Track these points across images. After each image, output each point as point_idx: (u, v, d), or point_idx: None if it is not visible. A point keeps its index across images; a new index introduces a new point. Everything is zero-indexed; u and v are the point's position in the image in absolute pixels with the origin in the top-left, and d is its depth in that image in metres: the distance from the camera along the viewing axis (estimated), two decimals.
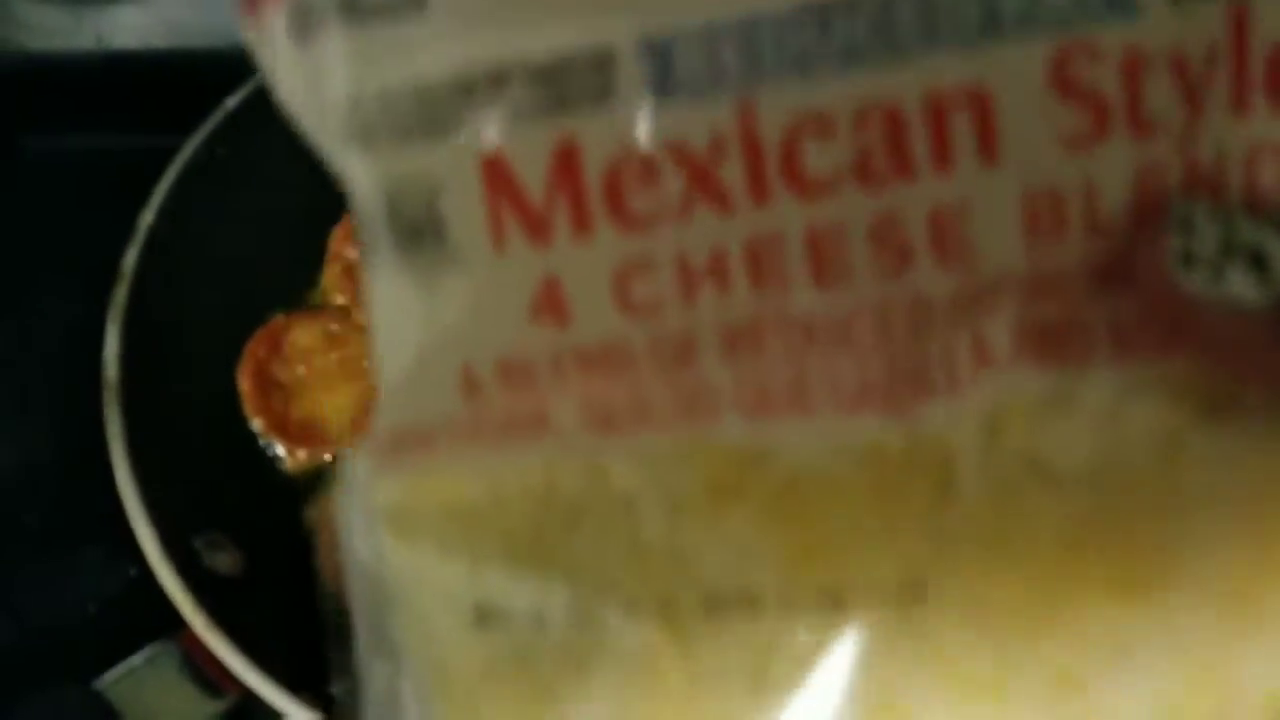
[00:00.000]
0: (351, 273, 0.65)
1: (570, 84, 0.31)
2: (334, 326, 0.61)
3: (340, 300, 0.65)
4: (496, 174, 0.31)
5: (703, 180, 0.30)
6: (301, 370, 0.62)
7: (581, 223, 0.31)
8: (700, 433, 0.33)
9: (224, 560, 0.55)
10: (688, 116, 0.30)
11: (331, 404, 0.61)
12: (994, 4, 0.30)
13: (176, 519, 0.53)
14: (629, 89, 0.30)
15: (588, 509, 0.33)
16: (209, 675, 0.53)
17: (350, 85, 0.32)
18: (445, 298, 0.32)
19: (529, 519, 0.33)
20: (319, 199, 0.69)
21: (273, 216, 0.64)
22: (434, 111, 0.31)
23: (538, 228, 0.31)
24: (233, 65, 0.64)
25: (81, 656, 0.54)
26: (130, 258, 0.57)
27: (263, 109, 0.68)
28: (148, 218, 0.58)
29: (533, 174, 0.31)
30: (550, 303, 0.31)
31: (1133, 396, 0.31)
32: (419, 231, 0.32)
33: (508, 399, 0.32)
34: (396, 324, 0.33)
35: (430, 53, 0.31)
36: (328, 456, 0.60)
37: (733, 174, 0.30)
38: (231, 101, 0.62)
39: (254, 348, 0.61)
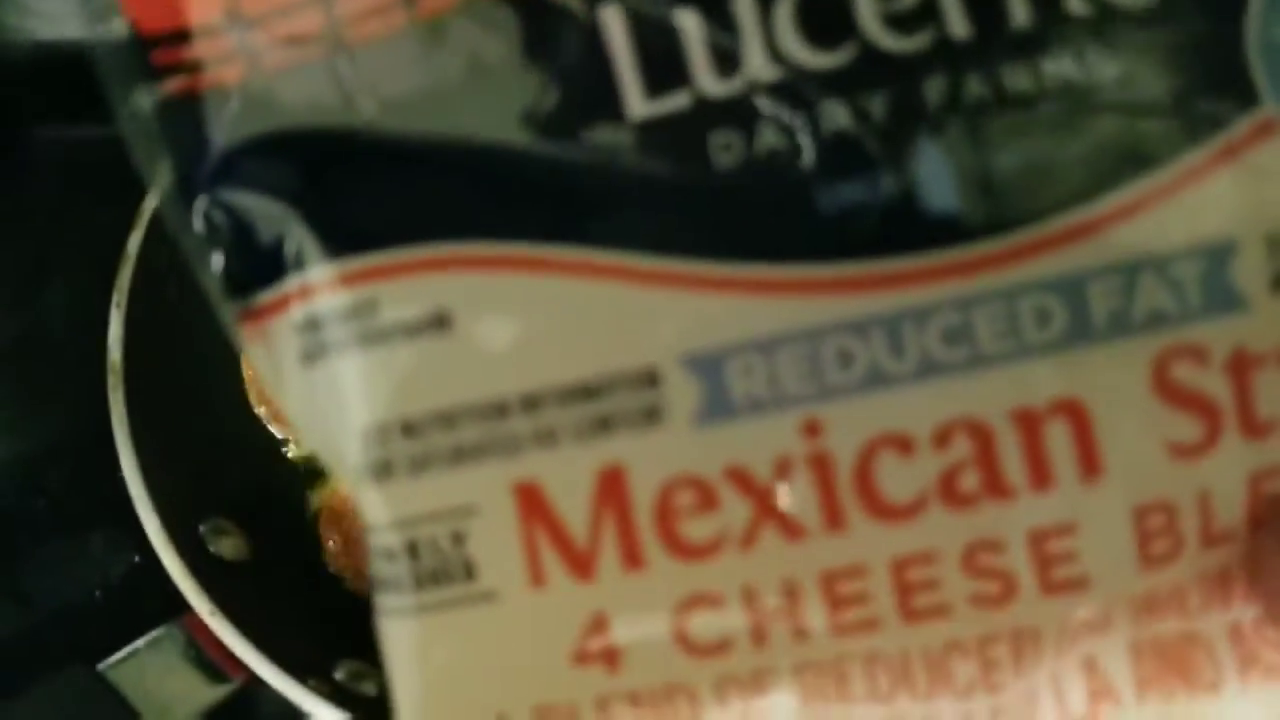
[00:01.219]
0: None
1: (613, 405, 0.28)
2: None
3: None
4: (533, 504, 0.28)
5: (767, 506, 0.28)
6: None
7: (631, 555, 0.28)
8: None
9: (229, 546, 0.55)
10: (746, 437, 0.28)
11: None
12: (1083, 307, 0.27)
13: (181, 505, 0.54)
14: (678, 409, 0.28)
15: None
16: (213, 660, 0.54)
17: (367, 413, 0.29)
18: (475, 641, 0.29)
19: None
20: None
21: None
22: (461, 439, 0.28)
23: (581, 561, 0.28)
24: None
25: (87, 641, 0.54)
26: (134, 241, 0.57)
27: None
28: (152, 202, 0.58)
29: (574, 502, 0.28)
30: (598, 644, 0.29)
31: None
32: (444, 573, 0.29)
33: None
34: (415, 670, 0.30)
35: (456, 375, 0.28)
36: None
37: (802, 499, 0.28)
38: None
39: None
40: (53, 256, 0.64)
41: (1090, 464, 0.27)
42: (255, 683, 0.51)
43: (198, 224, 0.31)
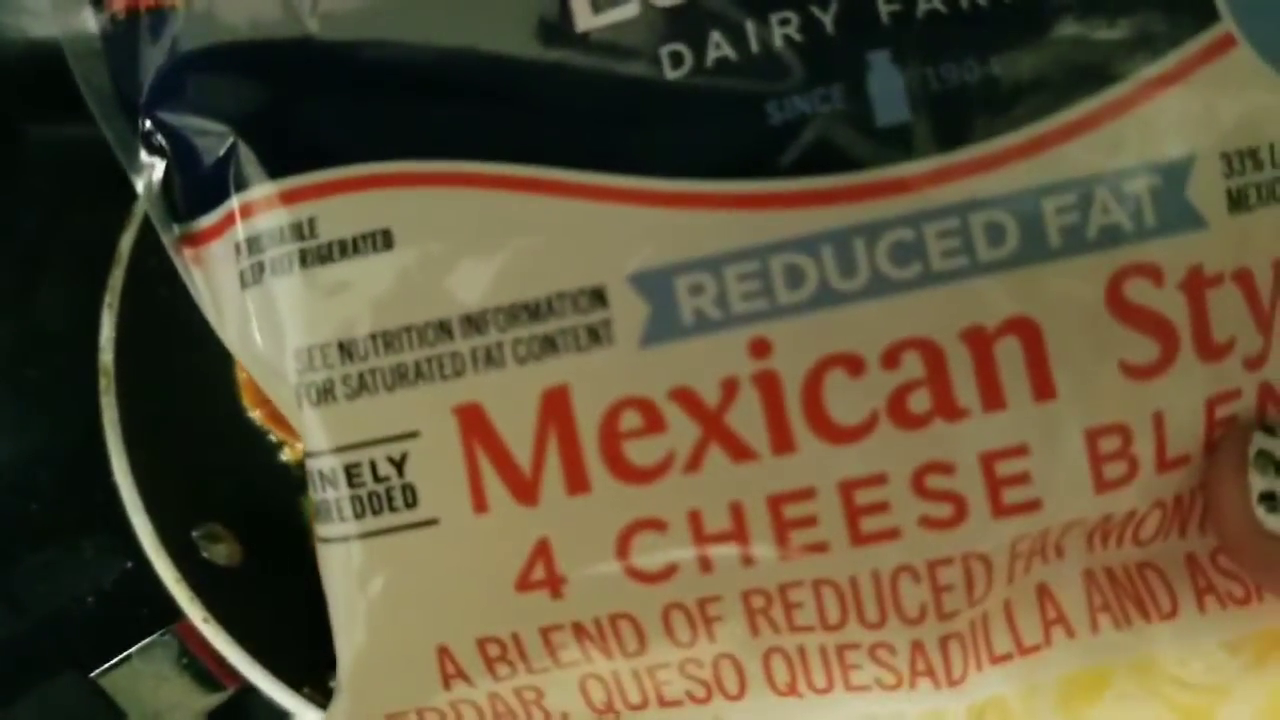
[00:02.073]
0: None
1: (558, 324, 0.27)
2: None
3: None
4: (475, 427, 0.28)
5: (714, 428, 0.27)
6: None
7: (576, 478, 0.27)
8: (722, 713, 0.30)
9: (222, 552, 0.55)
10: (693, 357, 0.27)
11: None
12: (1037, 224, 0.26)
13: (174, 510, 0.53)
14: (624, 328, 0.27)
15: None
16: (207, 668, 0.53)
17: (305, 334, 0.29)
18: (416, 570, 0.29)
19: None
20: None
21: None
22: (401, 360, 0.28)
23: (525, 486, 0.28)
24: None
25: (79, 648, 0.54)
26: (126, 242, 0.57)
27: None
28: (144, 202, 0.58)
29: (518, 425, 0.28)
30: (542, 571, 0.28)
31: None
32: (383, 497, 0.28)
33: (493, 683, 0.29)
34: (354, 600, 0.29)
35: (397, 295, 0.28)
36: None
37: (749, 420, 0.27)
38: None
39: None
40: (46, 258, 0.65)
41: (1042, 384, 0.27)
42: (249, 690, 0.51)
43: (140, 148, 0.31)
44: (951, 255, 0.26)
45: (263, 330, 0.30)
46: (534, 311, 0.27)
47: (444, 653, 0.29)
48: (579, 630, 0.28)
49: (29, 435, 0.64)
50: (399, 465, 0.28)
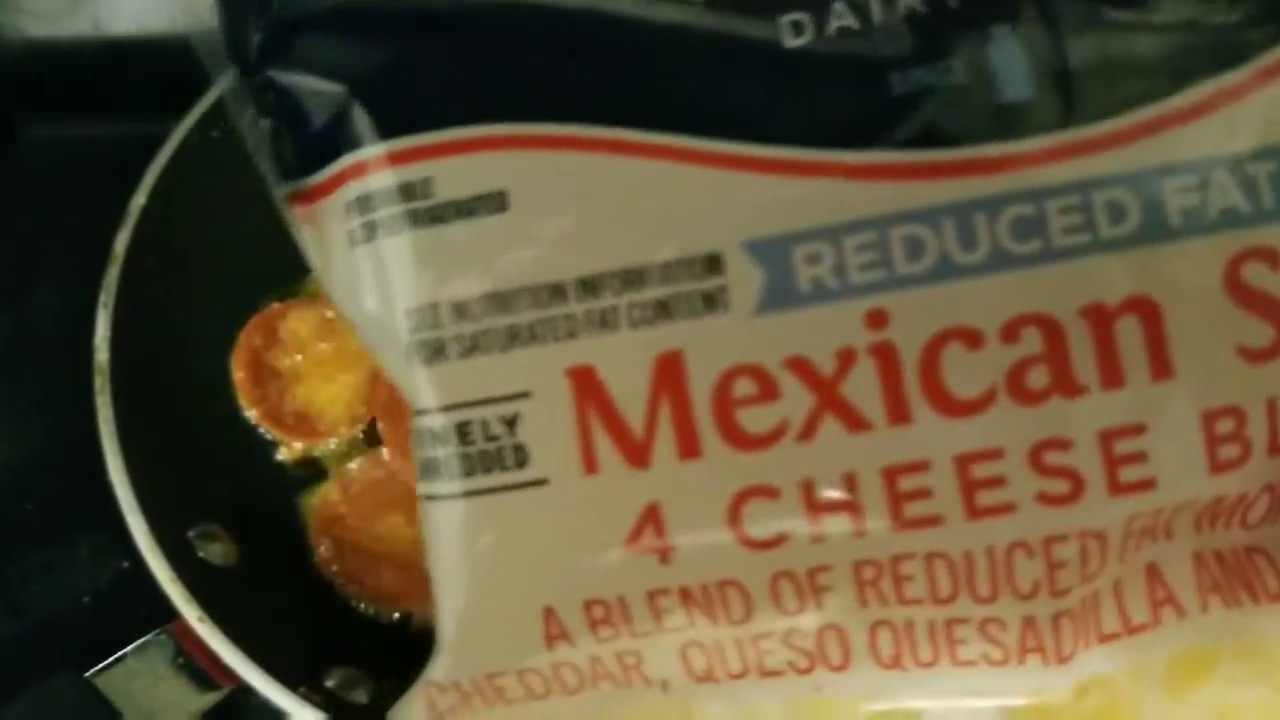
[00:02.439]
0: None
1: (674, 290, 0.27)
2: (331, 314, 0.60)
3: None
4: (588, 389, 0.28)
5: (829, 398, 0.27)
6: (297, 358, 0.60)
7: (688, 443, 0.28)
8: (823, 684, 0.30)
9: (218, 552, 0.54)
10: (810, 326, 0.27)
11: (328, 393, 0.59)
12: (1158, 203, 0.27)
13: (170, 509, 0.52)
14: (740, 296, 0.27)
15: None
16: (202, 667, 0.53)
17: (417, 295, 0.29)
18: (523, 530, 0.29)
19: None
20: None
21: (268, 199, 0.62)
22: (515, 321, 0.28)
23: (637, 449, 0.28)
24: None
25: (76, 648, 0.53)
26: (121, 240, 0.56)
27: None
28: (139, 200, 0.57)
29: (630, 388, 0.28)
30: (651, 534, 0.28)
31: None
32: (493, 456, 0.29)
33: (595, 645, 0.29)
34: (460, 559, 0.30)
35: (512, 256, 0.28)
36: (324, 447, 0.59)
37: (865, 391, 0.27)
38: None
39: (249, 336, 0.59)
40: (42, 257, 0.64)
41: (1161, 364, 0.27)
42: (245, 690, 0.50)
43: (255, 107, 0.31)
44: (1073, 232, 0.27)
45: (372, 289, 0.30)
46: (649, 277, 0.28)
47: (549, 613, 0.29)
48: (685, 595, 0.28)
49: (26, 435, 0.63)
50: (510, 424, 0.28)
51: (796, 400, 0.27)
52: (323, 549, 0.56)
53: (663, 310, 0.28)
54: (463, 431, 0.29)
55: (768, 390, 0.27)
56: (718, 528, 0.28)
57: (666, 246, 0.28)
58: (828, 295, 0.27)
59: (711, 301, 0.27)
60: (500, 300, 0.28)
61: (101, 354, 0.55)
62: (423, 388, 0.29)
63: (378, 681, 0.52)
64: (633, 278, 0.28)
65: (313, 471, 0.60)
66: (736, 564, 0.28)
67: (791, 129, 0.27)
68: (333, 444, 0.60)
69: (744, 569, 0.28)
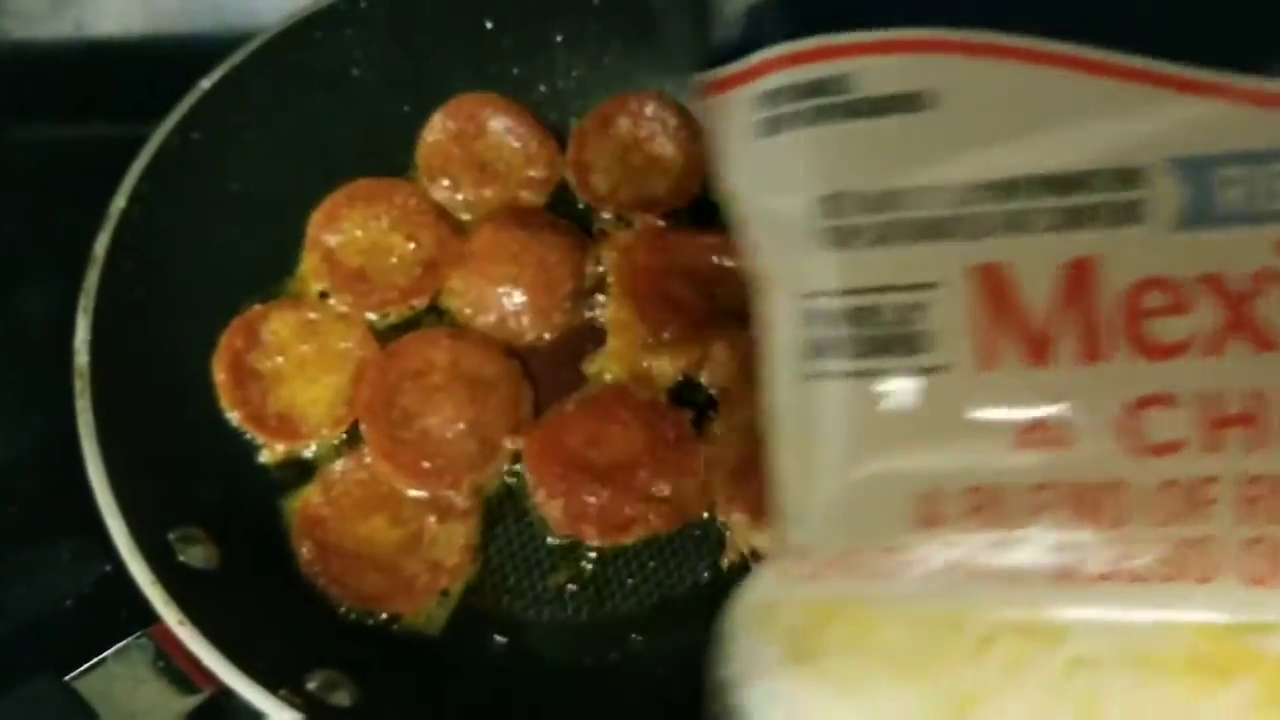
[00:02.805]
0: (331, 259, 0.63)
1: (1092, 199, 0.28)
2: (312, 315, 0.60)
3: (319, 288, 0.63)
4: (994, 286, 0.29)
5: (1240, 316, 0.28)
6: (279, 360, 0.60)
7: (1092, 346, 0.28)
8: (1186, 598, 0.30)
9: (199, 554, 0.54)
10: (1227, 245, 0.28)
11: (310, 395, 0.59)
12: None
13: (150, 512, 0.52)
14: (1160, 210, 0.28)
15: (1025, 667, 0.30)
16: (183, 670, 0.53)
17: (831, 183, 0.30)
18: (913, 413, 0.29)
19: (952, 676, 0.31)
20: (296, 183, 0.64)
21: (249, 201, 0.62)
22: (927, 215, 0.29)
23: (1038, 346, 0.28)
24: (213, 49, 0.63)
25: (55, 651, 0.53)
26: (101, 243, 0.56)
27: (239, 90, 0.61)
28: (119, 203, 0.57)
29: (1038, 289, 0.28)
30: (1043, 429, 0.29)
31: None
32: (887, 343, 0.29)
33: (964, 533, 0.30)
34: (840, 437, 0.30)
35: (930, 154, 0.29)
36: (306, 449, 0.59)
37: (1277, 312, 0.28)
38: (206, 82, 0.60)
39: (230, 338, 0.59)
40: (24, 258, 0.64)
41: None
42: (226, 693, 0.50)
43: None
44: None
45: (777, 177, 0.31)
46: (1068, 184, 0.28)
47: (927, 495, 0.30)
48: (1069, 493, 0.29)
49: (7, 438, 0.63)
50: (910, 312, 0.29)
51: (1207, 316, 0.28)
52: (305, 551, 0.56)
53: (1080, 217, 0.28)
54: (860, 314, 0.30)
55: (1179, 303, 0.28)
56: (1113, 430, 0.28)
57: (1091, 156, 0.28)
58: (1247, 218, 0.28)
59: (1130, 213, 0.28)
60: (914, 195, 0.29)
61: (81, 357, 0.54)
62: (824, 271, 0.30)
63: (359, 684, 0.51)
64: (1053, 183, 0.28)
65: (295, 473, 0.59)
66: (1127, 467, 0.29)
67: (1225, 53, 0.28)
68: (314, 446, 0.59)
69: (1133, 473, 0.29)
